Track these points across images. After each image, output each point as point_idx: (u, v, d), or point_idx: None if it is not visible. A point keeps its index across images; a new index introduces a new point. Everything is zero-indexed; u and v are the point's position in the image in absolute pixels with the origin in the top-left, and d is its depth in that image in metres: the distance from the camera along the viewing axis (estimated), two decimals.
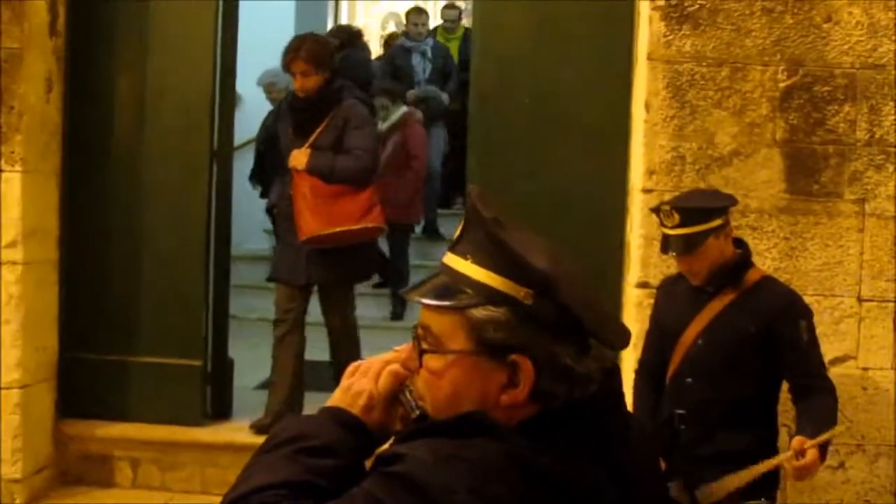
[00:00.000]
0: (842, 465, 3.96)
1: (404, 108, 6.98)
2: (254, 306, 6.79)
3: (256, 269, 7.19)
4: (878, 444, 3.97)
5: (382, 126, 6.61)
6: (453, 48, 8.32)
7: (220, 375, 4.86)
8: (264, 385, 5.54)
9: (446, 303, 1.23)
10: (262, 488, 1.17)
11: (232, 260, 5.09)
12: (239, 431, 4.65)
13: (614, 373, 1.28)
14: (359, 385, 1.32)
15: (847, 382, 3.89)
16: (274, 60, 7.05)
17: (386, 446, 1.28)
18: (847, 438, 3.92)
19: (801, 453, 2.72)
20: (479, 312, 1.21)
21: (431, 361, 1.25)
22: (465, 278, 1.23)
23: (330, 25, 10.52)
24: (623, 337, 1.29)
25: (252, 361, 5.54)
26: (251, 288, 6.95)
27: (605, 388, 1.24)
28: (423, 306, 1.27)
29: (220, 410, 4.85)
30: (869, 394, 3.94)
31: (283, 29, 8.51)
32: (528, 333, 1.20)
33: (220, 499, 1.24)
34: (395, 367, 1.32)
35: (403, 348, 1.35)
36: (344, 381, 1.34)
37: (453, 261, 1.26)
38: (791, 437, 2.89)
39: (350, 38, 7.97)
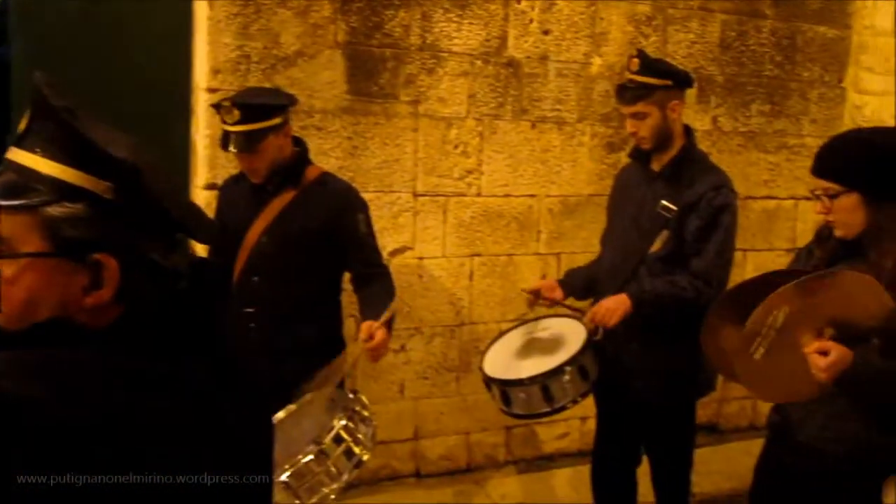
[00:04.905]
0: (403, 347, 4.31)
1: None
2: None
3: None
4: (433, 325, 4.37)
5: None
6: None
7: None
8: None
9: (15, 202, 1.12)
10: None
11: None
12: None
13: (204, 266, 1.24)
14: None
15: (405, 272, 4.21)
16: None
17: None
18: (407, 323, 4.26)
19: (371, 336, 2.87)
20: (55, 210, 1.11)
21: (3, 268, 1.13)
22: (35, 174, 1.12)
23: None
24: (210, 229, 1.26)
25: None
26: None
27: (195, 283, 1.21)
28: None
29: None
30: (424, 281, 4.30)
31: None
32: (111, 229, 1.13)
33: None
34: None
35: None
36: None
37: (20, 156, 1.14)
38: (358, 325, 3.05)
39: None
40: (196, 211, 1.25)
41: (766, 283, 2.29)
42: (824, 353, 2.21)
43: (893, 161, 2.33)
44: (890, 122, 5.46)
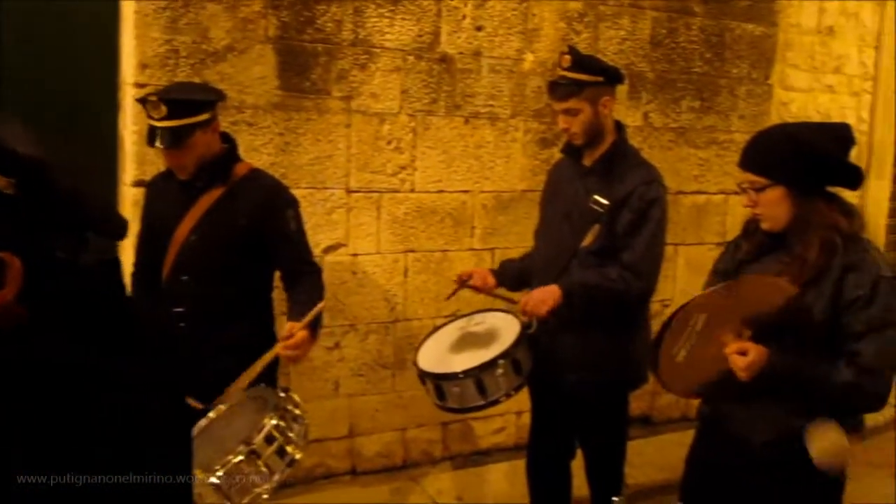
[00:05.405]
0: (337, 345, 4.28)
1: None
2: None
3: None
4: (367, 322, 4.34)
5: None
6: None
7: None
8: None
9: None
10: None
11: None
12: None
13: (115, 265, 1.22)
14: None
15: (339, 269, 4.18)
16: None
17: None
18: (341, 320, 4.23)
19: (290, 335, 2.83)
20: None
21: None
22: None
23: None
24: (121, 227, 1.23)
25: None
26: None
27: (106, 281, 1.18)
28: None
29: None
30: (358, 278, 4.27)
31: None
32: (13, 227, 1.10)
33: None
34: None
35: None
36: None
37: None
38: None
39: None
40: (105, 207, 1.23)
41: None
42: (743, 353, 2.28)
43: (817, 155, 2.38)
44: (815, 118, 5.59)
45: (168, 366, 1.27)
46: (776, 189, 2.39)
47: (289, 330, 2.85)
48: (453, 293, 3.45)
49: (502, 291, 3.44)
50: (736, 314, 2.33)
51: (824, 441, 2.10)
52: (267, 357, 2.87)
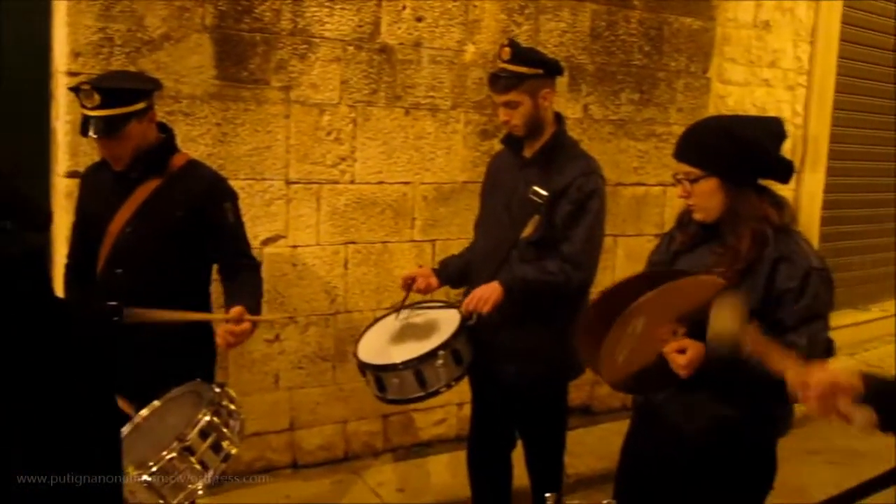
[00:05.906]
0: (277, 337, 4.24)
1: None
2: None
3: None
4: (308, 314, 4.31)
5: None
6: None
7: None
8: None
9: None
10: None
11: None
12: None
13: (39, 256, 1.18)
14: None
15: (279, 260, 4.14)
16: None
17: None
18: (280, 313, 4.19)
19: (239, 320, 2.79)
20: None
21: None
22: None
23: None
24: (43, 217, 1.19)
25: None
26: None
27: (29, 273, 1.15)
28: None
29: None
30: (298, 270, 4.23)
31: None
32: None
33: None
34: None
35: None
36: None
37: None
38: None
39: None
40: (27, 197, 1.19)
41: (631, 288, 2.35)
42: (682, 351, 2.31)
43: (750, 148, 2.41)
44: (752, 112, 5.68)
45: (99, 362, 1.24)
46: (710, 180, 2.42)
47: (238, 313, 2.79)
48: (403, 303, 3.42)
49: (445, 291, 3.44)
50: (671, 312, 2.35)
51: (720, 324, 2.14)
52: (201, 317, 2.82)
